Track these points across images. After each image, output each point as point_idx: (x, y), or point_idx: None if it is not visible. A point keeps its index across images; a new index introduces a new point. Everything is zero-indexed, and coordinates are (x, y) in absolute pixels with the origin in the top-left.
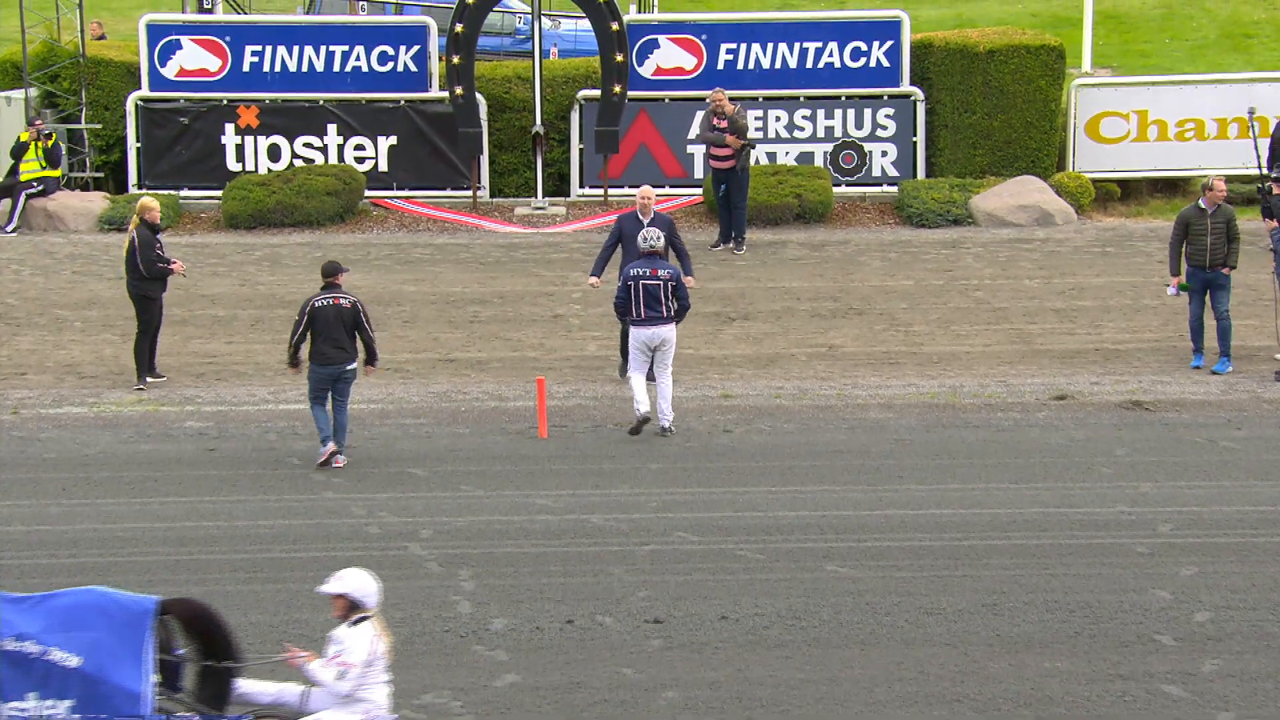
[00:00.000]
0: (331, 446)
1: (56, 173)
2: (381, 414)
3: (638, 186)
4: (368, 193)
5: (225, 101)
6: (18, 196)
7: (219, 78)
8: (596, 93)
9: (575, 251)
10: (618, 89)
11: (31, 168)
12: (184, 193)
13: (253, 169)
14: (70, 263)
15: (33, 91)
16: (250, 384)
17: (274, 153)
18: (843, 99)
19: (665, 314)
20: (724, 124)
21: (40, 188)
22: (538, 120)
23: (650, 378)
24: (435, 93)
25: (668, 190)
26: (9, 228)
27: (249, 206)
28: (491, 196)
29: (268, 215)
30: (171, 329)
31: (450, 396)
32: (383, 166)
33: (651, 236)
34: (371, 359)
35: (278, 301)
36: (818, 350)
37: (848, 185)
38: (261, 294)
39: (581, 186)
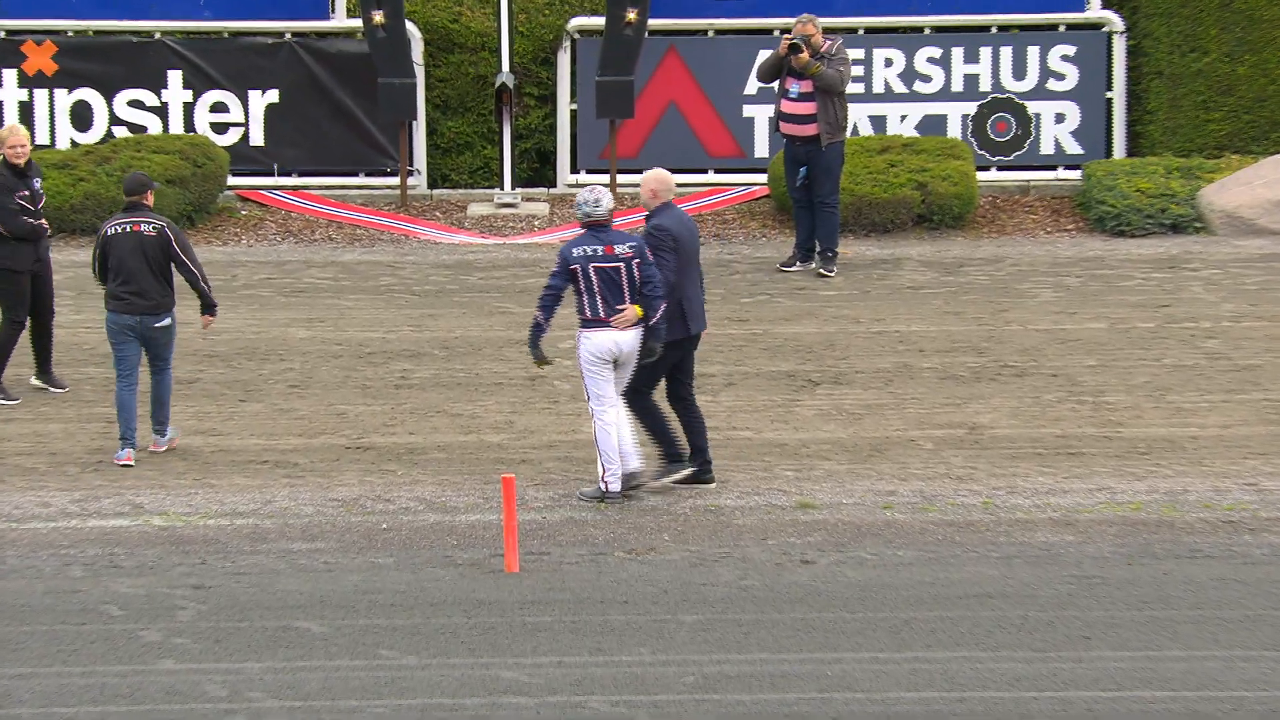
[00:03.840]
0: (129, 455)
1: None
2: (254, 534)
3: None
4: (233, 180)
5: (2, 34)
6: None
7: None
8: (599, 22)
9: None
10: (632, 15)
11: None
12: None
13: (47, 142)
14: None
15: None
16: (43, 486)
17: (81, 116)
18: (993, 31)
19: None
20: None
21: None
22: (504, 65)
23: None
24: (340, 21)
25: (711, 178)
26: None
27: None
28: (431, 187)
29: (71, 216)
30: None
31: (364, 506)
32: (257, 139)
33: (599, 198)
34: (207, 305)
35: (87, 353)
36: (952, 433)
37: (1000, 169)
38: (61, 341)
39: (575, 171)
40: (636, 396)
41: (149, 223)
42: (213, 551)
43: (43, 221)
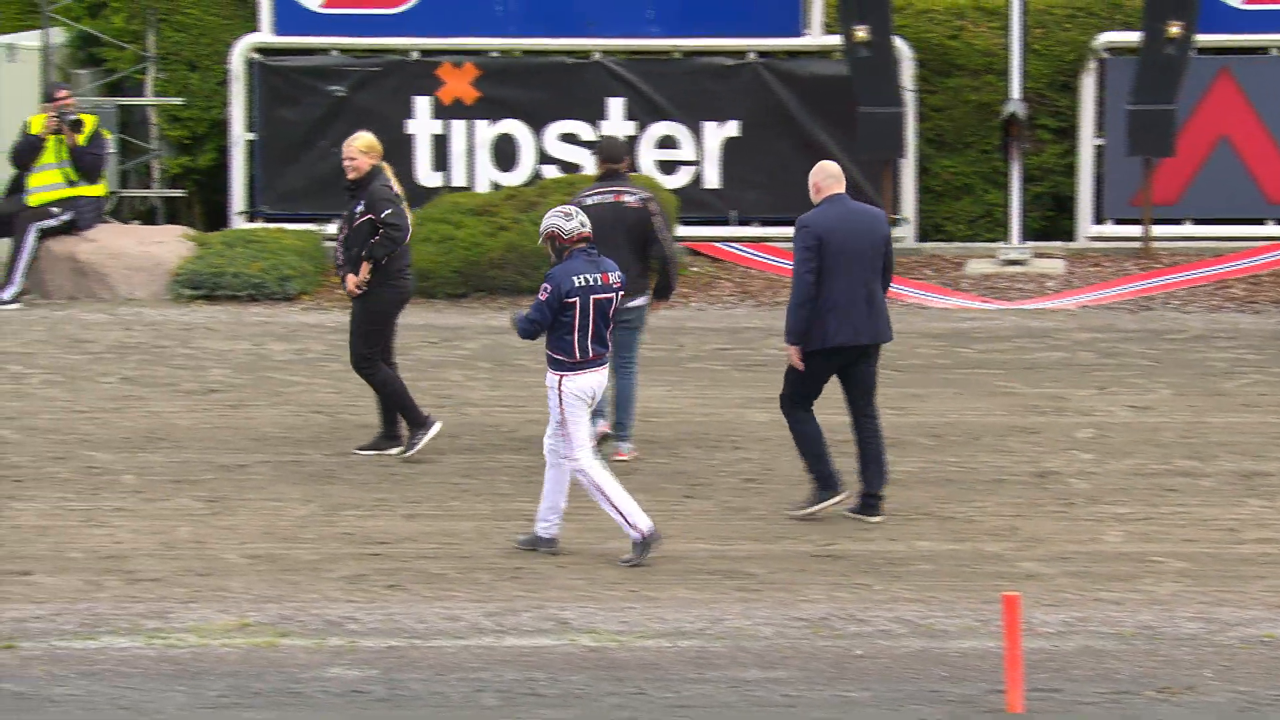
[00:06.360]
0: (603, 425)
1: (97, 190)
2: (700, 658)
3: (1203, 222)
4: (681, 230)
5: (415, 55)
6: (22, 236)
7: (403, 8)
8: (1134, 38)
9: (1082, 347)
10: (1176, 29)
11: (49, 181)
12: (333, 227)
13: (464, 183)
14: (117, 362)
15: (58, 36)
16: (450, 596)
17: (504, 152)
18: None
19: (609, 345)
20: None
21: (65, 218)
22: (1014, 91)
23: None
24: (814, 38)
25: (1272, 230)
26: (6, 294)
27: (455, 257)
28: (921, 239)
29: (489, 271)
30: (253, 477)
31: (833, 627)
32: (711, 180)
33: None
34: (666, 288)
35: (505, 437)
36: None
37: None
38: (474, 423)
39: (1099, 221)
40: (787, 407)
41: (631, 193)
42: (650, 679)
43: (342, 265)
